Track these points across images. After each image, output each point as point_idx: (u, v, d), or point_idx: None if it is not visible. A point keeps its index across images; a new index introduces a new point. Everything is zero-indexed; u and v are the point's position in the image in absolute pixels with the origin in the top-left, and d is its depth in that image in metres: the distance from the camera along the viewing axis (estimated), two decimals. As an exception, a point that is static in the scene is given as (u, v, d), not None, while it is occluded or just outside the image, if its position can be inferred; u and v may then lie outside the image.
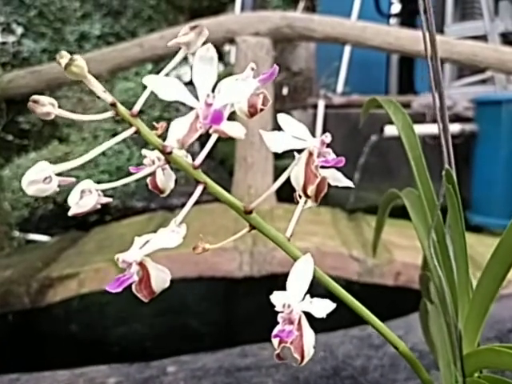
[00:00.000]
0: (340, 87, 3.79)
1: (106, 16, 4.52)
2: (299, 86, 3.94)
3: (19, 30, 4.07)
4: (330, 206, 2.75)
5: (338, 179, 0.30)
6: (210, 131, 0.23)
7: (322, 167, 0.26)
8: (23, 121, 3.53)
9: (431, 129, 2.74)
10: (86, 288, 1.93)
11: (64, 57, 0.24)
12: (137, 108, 0.26)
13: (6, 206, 2.79)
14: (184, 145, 0.23)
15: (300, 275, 0.26)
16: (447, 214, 0.35)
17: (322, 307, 0.25)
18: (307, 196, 0.26)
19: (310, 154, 0.26)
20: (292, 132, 0.26)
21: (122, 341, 1.88)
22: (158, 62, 3.31)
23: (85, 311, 1.97)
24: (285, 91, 3.90)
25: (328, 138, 0.25)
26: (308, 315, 0.27)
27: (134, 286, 0.24)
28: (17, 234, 2.80)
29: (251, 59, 2.38)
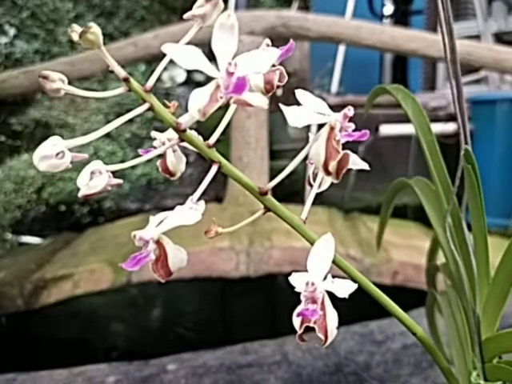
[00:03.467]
0: (334, 87, 3.79)
1: (98, 17, 4.49)
2: (293, 86, 3.94)
3: (12, 31, 4.03)
4: (326, 206, 2.75)
5: (354, 161, 0.30)
6: (231, 101, 0.22)
7: (345, 143, 0.25)
8: (15, 122, 3.50)
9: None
10: (80, 289, 1.91)
11: (76, 29, 0.23)
12: (150, 83, 0.25)
13: (-1, 208, 2.76)
14: (205, 115, 0.22)
15: (321, 255, 0.25)
16: (462, 199, 0.34)
17: (345, 287, 0.24)
18: (328, 173, 0.25)
19: (332, 128, 0.25)
20: (312, 107, 0.25)
21: (117, 341, 1.87)
22: (152, 61, 3.29)
23: (79, 313, 1.95)
24: (279, 92, 3.90)
25: (351, 111, 0.25)
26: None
27: (150, 265, 0.23)
28: (9, 236, 2.77)
29: (246, 58, 2.37)
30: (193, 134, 0.27)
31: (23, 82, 2.70)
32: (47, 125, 3.41)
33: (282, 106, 0.24)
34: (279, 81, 0.26)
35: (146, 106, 0.25)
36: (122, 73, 0.24)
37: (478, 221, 0.31)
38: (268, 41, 0.27)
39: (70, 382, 0.84)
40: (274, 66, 0.26)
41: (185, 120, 0.24)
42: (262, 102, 0.22)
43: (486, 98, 2.66)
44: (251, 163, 2.44)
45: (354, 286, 0.24)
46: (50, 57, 3.97)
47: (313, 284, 0.23)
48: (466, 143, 0.34)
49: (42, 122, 3.39)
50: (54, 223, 2.96)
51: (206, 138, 0.28)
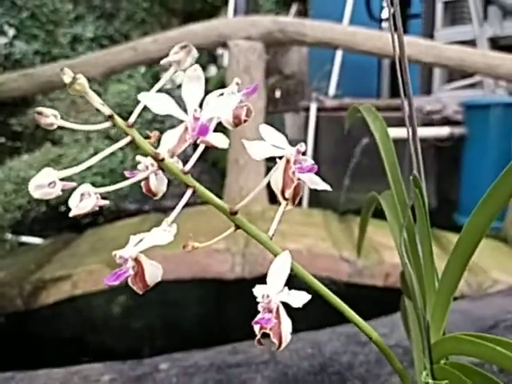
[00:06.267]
0: (332, 90, 3.83)
1: (99, 18, 4.53)
2: (291, 89, 3.98)
3: (11, 32, 4.06)
4: (321, 208, 2.79)
5: (316, 182, 0.33)
6: (198, 142, 0.26)
7: (300, 173, 0.29)
8: (15, 123, 3.54)
9: (421, 132, 2.79)
10: (79, 289, 1.94)
11: (67, 74, 0.27)
12: (132, 119, 0.29)
13: (-1, 208, 2.79)
14: (174, 154, 0.26)
15: (279, 269, 0.29)
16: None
17: (299, 298, 0.28)
18: (285, 199, 0.29)
19: (288, 161, 0.29)
20: (272, 141, 0.29)
21: (114, 341, 1.90)
22: (151, 65, 3.33)
23: (77, 313, 1.98)
24: (277, 94, 3.94)
25: (303, 147, 0.28)
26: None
27: (129, 280, 0.27)
28: (9, 236, 2.80)
29: (243, 63, 2.41)
30: (171, 161, 0.30)
31: (22, 85, 2.74)
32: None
33: (244, 142, 0.28)
34: (246, 116, 0.29)
35: (128, 138, 0.29)
36: (106, 111, 0.28)
37: (425, 238, 0.35)
38: (238, 80, 0.31)
39: (67, 381, 0.88)
40: (242, 102, 0.30)
41: (161, 151, 0.28)
42: (224, 142, 0.26)
43: (479, 102, 2.70)
44: (248, 165, 2.47)
45: (308, 297, 0.28)
46: (49, 58, 4.00)
47: (268, 296, 0.27)
48: (418, 168, 0.38)
49: (43, 122, 3.42)
50: (54, 224, 2.99)
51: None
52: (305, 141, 3.44)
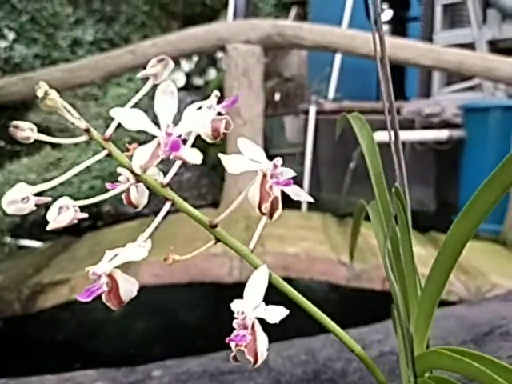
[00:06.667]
0: (331, 93, 3.83)
1: (98, 22, 4.54)
2: (291, 92, 3.98)
3: (11, 36, 4.07)
4: (320, 212, 2.78)
5: (299, 194, 0.33)
6: (171, 157, 0.26)
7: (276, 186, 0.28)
8: (16, 126, 3.54)
9: (420, 135, 2.79)
10: (77, 294, 1.94)
11: (41, 88, 0.27)
12: (109, 133, 0.28)
13: (-2, 212, 2.80)
14: (146, 170, 0.25)
15: (256, 284, 0.28)
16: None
17: (276, 313, 0.27)
18: (262, 213, 0.29)
19: (264, 175, 0.28)
20: (249, 155, 0.29)
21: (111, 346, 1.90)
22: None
23: (75, 317, 1.98)
24: (277, 97, 3.94)
25: (279, 161, 0.28)
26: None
27: (103, 296, 0.27)
28: (8, 239, 2.81)
29: (242, 67, 2.41)
30: (148, 175, 0.30)
31: (22, 89, 2.74)
32: (47, 129, 3.45)
33: (220, 156, 0.28)
34: (225, 129, 0.29)
35: (105, 152, 0.29)
36: (82, 125, 0.28)
37: (407, 249, 0.34)
38: (217, 93, 0.30)
39: (60, 387, 0.87)
40: (221, 114, 0.30)
41: (134, 168, 0.28)
42: (197, 158, 0.26)
43: (478, 105, 2.69)
44: (247, 169, 2.47)
45: (285, 312, 0.27)
46: (49, 61, 4.01)
47: (243, 313, 0.26)
48: (401, 178, 0.37)
49: (42, 126, 3.43)
50: (54, 227, 2.99)
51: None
52: (304, 143, 3.44)
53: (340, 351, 0.95)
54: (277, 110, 3.90)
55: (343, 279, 1.97)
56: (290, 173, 0.30)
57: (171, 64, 0.29)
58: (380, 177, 0.39)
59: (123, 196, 0.34)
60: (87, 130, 0.28)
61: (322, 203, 3.06)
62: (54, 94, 0.25)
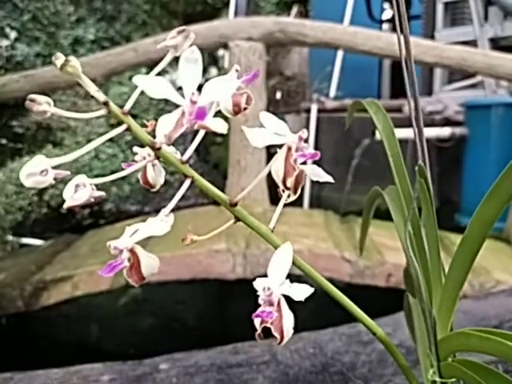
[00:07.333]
0: (333, 91, 3.82)
1: (100, 21, 4.53)
2: (292, 90, 3.97)
3: (13, 34, 4.06)
4: (322, 209, 2.78)
5: (318, 174, 0.32)
6: (195, 127, 0.25)
7: (302, 162, 0.28)
8: (17, 125, 3.53)
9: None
10: (80, 291, 1.94)
11: (59, 58, 0.26)
12: (128, 106, 0.28)
13: (0, 210, 2.79)
14: (171, 139, 0.25)
15: (280, 262, 0.28)
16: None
17: (301, 291, 0.27)
18: (287, 188, 0.28)
19: (289, 148, 0.28)
20: (273, 128, 0.28)
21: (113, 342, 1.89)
22: (152, 66, 3.32)
23: (78, 313, 1.97)
24: (278, 95, 3.93)
25: (305, 133, 0.27)
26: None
27: (124, 272, 0.26)
28: (10, 237, 2.80)
29: (244, 64, 2.40)
30: (168, 150, 0.29)
31: (24, 86, 2.73)
32: (49, 127, 3.44)
33: (244, 128, 0.27)
34: (246, 103, 0.28)
35: (123, 126, 0.28)
36: (101, 97, 0.27)
37: (431, 231, 0.34)
38: (237, 66, 0.30)
39: (66, 381, 0.87)
40: (241, 89, 0.29)
41: (158, 139, 0.27)
42: (223, 127, 0.25)
43: (481, 102, 2.69)
44: (249, 166, 2.46)
45: (311, 290, 0.27)
46: (51, 60, 4.00)
47: (269, 289, 0.26)
48: (424, 158, 0.37)
49: (44, 124, 3.42)
50: (56, 225, 2.99)
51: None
52: (305, 142, 3.43)
53: (348, 344, 0.94)
54: (278, 108, 3.89)
55: (347, 276, 1.96)
56: (308, 147, 0.30)
57: (192, 35, 0.28)
58: (398, 157, 0.39)
59: (139, 176, 0.34)
60: (106, 104, 0.27)
61: (323, 201, 3.05)
62: (74, 61, 0.24)
